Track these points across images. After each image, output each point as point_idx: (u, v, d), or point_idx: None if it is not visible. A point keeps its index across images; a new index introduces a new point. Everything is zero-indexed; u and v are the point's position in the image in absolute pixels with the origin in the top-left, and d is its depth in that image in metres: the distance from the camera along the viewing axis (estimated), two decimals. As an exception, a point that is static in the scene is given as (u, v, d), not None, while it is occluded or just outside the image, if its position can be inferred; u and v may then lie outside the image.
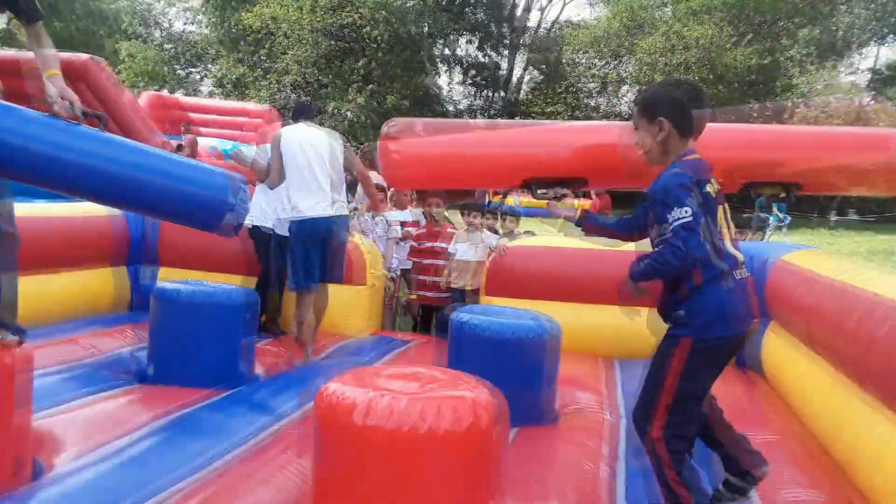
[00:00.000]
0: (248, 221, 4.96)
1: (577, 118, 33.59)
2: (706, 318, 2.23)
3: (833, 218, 24.71)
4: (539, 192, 4.15)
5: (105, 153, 2.48)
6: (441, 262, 5.59)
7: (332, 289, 5.23)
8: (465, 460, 1.87)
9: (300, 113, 4.63)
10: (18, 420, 2.32)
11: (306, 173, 4.32)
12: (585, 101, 33.82)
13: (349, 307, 5.16)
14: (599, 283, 4.66)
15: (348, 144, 4.72)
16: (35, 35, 2.52)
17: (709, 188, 2.29)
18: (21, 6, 2.45)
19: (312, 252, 4.36)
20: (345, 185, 4.67)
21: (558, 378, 3.55)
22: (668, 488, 2.27)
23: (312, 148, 4.36)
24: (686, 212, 2.16)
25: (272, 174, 4.42)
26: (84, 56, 12.45)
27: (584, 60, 32.87)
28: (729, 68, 27.59)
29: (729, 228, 2.35)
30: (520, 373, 3.26)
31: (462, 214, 5.75)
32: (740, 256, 2.34)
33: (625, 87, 33.32)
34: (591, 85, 33.61)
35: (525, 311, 3.73)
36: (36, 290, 4.35)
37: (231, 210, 2.60)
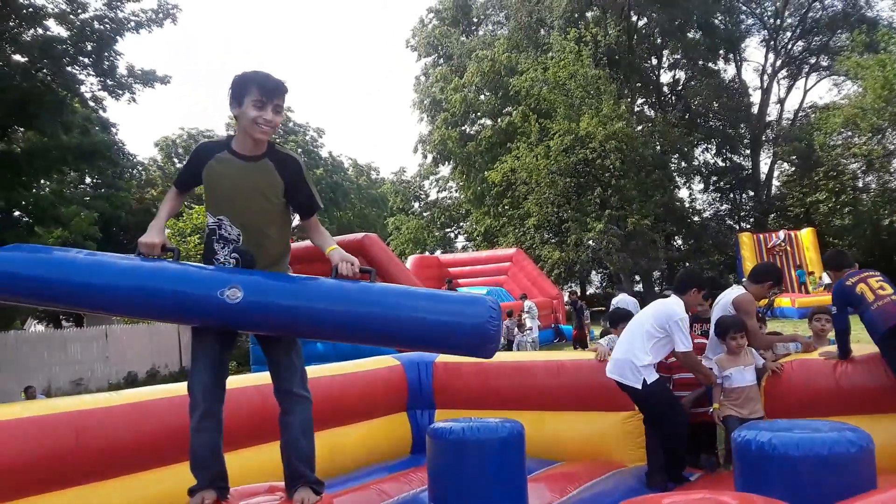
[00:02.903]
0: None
1: (845, 203, 30.25)
2: None
3: None
4: None
5: (390, 302, 2.72)
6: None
7: (601, 416, 5.08)
8: None
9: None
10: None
11: None
12: (850, 183, 30.42)
13: (619, 434, 4.96)
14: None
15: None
16: (312, 225, 2.98)
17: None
18: (301, 204, 2.90)
19: None
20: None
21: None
22: None
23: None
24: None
25: None
26: (360, 235, 14.44)
27: (840, 142, 29.94)
28: None
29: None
30: (824, 495, 2.81)
31: (723, 336, 4.69)
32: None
33: (896, 161, 29.50)
34: (854, 165, 30.31)
35: (824, 423, 3.28)
36: (332, 443, 4.85)
37: (496, 334, 2.74)
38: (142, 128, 72.33)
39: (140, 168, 32.65)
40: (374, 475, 4.80)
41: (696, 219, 35.73)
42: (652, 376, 4.52)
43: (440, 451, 3.78)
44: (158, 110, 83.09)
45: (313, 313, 2.68)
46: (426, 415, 5.69)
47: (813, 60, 36.58)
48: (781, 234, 26.87)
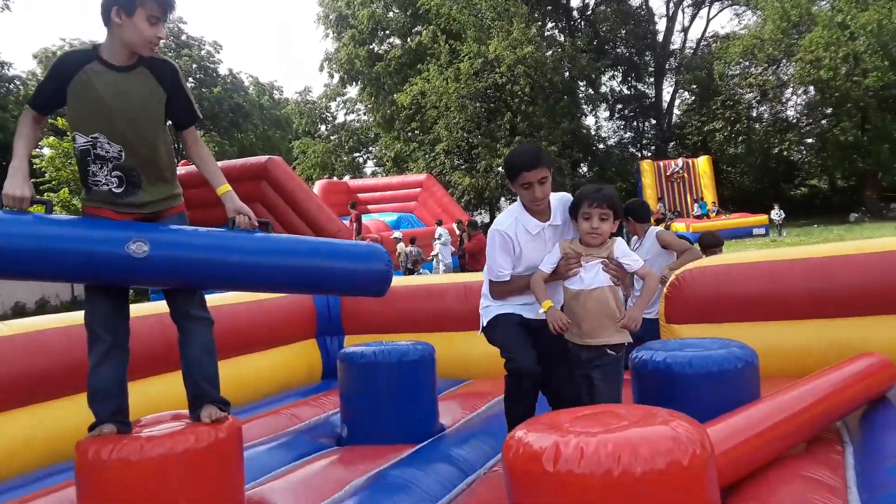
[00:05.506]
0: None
1: (739, 132, 31.77)
2: None
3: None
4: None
5: (287, 249, 2.80)
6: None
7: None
8: (669, 502, 1.74)
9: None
10: (233, 490, 2.50)
11: None
12: (745, 112, 31.89)
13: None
14: (792, 297, 4.27)
15: None
16: (192, 138, 2.74)
17: None
18: (181, 113, 2.67)
19: None
20: None
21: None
22: None
23: None
24: None
25: None
26: (263, 158, 13.88)
27: (737, 72, 31.16)
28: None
29: None
30: (715, 407, 3.02)
31: (577, 215, 3.10)
32: None
33: (788, 91, 31.09)
34: (750, 95, 31.72)
35: (712, 340, 3.48)
36: (240, 372, 4.78)
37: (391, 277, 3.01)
38: (18, 39, 65.93)
39: (17, 83, 29.92)
40: (285, 401, 4.77)
41: (600, 146, 36.64)
42: None
43: (352, 375, 3.79)
44: (37, 20, 75.87)
45: (220, 266, 2.62)
46: (335, 341, 5.68)
47: (716, -11, 37.38)
48: (680, 161, 28.05)
